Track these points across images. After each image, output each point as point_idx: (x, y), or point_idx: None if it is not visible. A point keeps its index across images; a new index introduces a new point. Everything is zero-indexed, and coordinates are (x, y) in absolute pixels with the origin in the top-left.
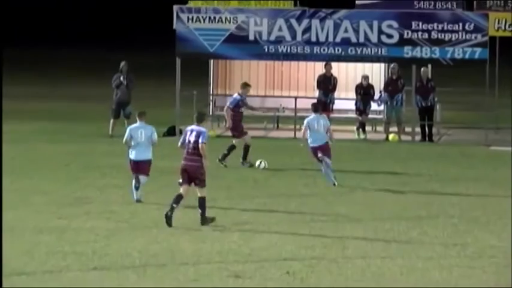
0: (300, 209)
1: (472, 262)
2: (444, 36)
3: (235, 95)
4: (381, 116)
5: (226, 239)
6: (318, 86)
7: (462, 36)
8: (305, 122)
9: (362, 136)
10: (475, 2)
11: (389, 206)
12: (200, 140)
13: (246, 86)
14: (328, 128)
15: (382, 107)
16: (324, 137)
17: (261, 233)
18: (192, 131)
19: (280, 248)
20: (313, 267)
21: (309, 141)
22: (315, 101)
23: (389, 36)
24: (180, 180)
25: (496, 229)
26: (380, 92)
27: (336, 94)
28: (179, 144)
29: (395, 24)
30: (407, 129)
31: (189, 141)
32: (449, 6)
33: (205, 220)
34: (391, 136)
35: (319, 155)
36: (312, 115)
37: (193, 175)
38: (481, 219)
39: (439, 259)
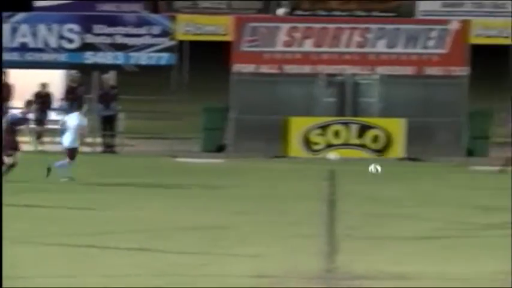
0: None
1: (156, 280)
2: (128, 40)
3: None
4: None
5: None
6: None
7: (148, 41)
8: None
9: (39, 147)
10: (160, 3)
11: (74, 222)
12: None
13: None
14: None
15: (61, 117)
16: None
17: None
18: None
19: None
20: None
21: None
22: None
23: (70, 40)
24: None
25: (177, 241)
26: (60, 100)
27: (13, 104)
28: None
29: (76, 27)
30: (88, 139)
31: None
32: (135, 9)
33: None
34: None
35: None
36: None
37: None
38: (163, 233)
39: (121, 277)
